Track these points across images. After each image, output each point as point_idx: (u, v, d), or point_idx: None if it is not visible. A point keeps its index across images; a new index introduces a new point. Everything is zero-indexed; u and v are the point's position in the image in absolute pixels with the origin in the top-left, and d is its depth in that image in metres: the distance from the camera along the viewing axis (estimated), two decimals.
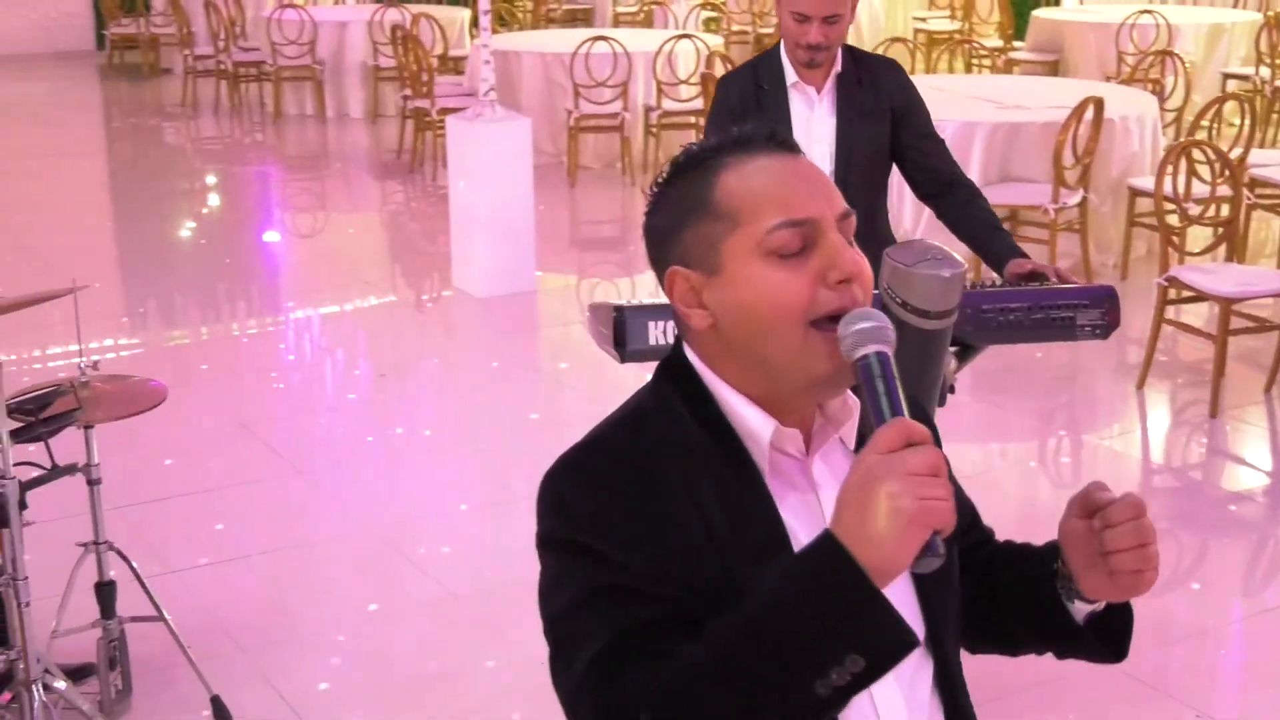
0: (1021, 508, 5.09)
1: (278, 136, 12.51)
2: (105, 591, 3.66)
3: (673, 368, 1.63)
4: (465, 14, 13.00)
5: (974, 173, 7.17)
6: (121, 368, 4.85)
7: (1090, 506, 1.59)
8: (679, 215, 1.59)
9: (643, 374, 1.74)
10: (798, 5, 3.60)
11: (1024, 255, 3.66)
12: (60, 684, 3.40)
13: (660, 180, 1.63)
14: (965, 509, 1.74)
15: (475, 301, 7.41)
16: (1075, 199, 7.19)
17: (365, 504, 5.15)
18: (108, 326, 7.06)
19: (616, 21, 14.92)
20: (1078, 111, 7.03)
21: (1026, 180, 7.34)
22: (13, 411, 3.23)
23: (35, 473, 3.31)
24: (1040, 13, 12.57)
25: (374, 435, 5.87)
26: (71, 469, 3.39)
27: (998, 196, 7.19)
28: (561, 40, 10.52)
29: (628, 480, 1.53)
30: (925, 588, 1.60)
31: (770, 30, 12.90)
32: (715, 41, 11.04)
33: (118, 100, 14.86)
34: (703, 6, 13.26)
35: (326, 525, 5.00)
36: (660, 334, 3.25)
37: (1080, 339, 3.40)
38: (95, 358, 4.23)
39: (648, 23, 14.11)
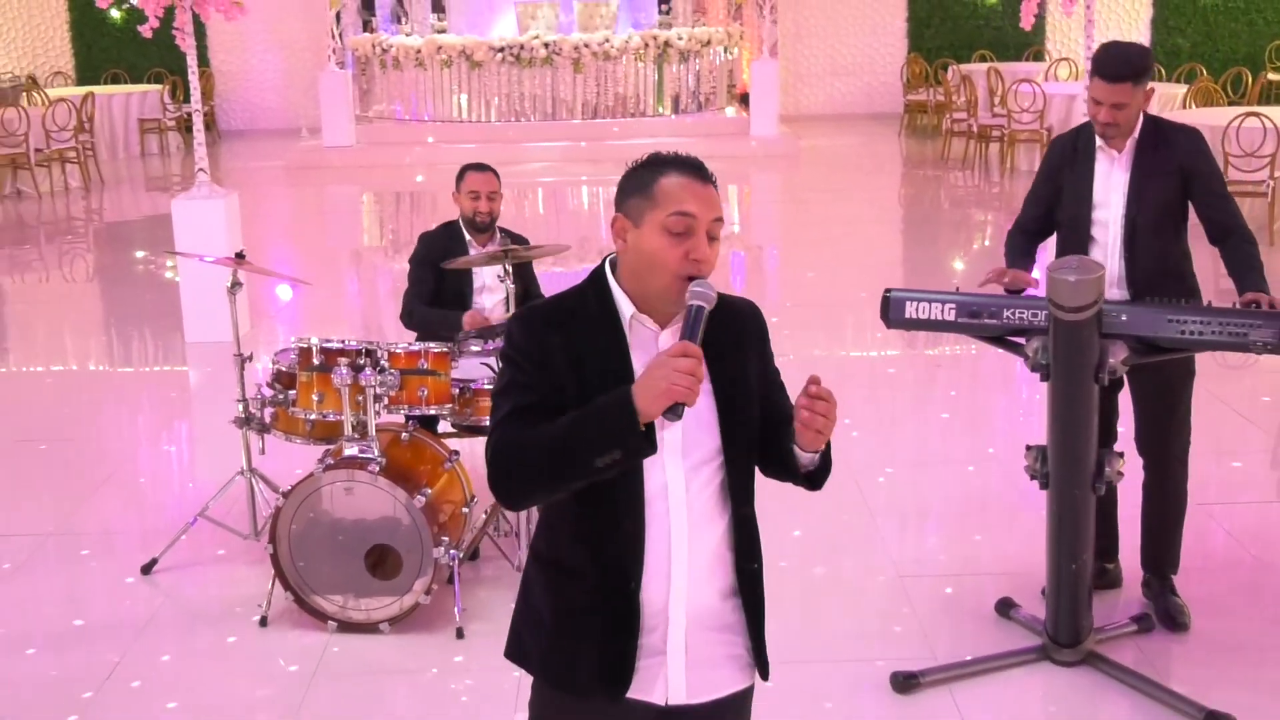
0: None
1: (1009, 189, 13.50)
2: None
3: (597, 273, 2.45)
4: (1181, 90, 13.18)
5: None
6: None
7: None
8: (633, 189, 2.38)
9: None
10: (1094, 92, 4.21)
11: (1257, 288, 4.05)
12: None
13: (634, 166, 2.43)
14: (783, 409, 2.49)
15: None
16: None
17: None
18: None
19: None
20: None
21: None
22: None
23: None
24: None
25: None
26: None
27: None
28: (1223, 116, 10.60)
29: (543, 329, 2.39)
30: (728, 428, 2.39)
31: None
32: None
33: (905, 153, 16.48)
34: None
35: None
36: (915, 311, 4.09)
37: (1254, 352, 3.79)
38: None
39: None
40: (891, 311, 4.12)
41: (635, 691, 2.43)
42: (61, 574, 5.16)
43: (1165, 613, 4.50)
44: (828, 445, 2.44)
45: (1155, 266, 4.28)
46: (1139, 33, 18.03)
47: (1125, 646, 4.34)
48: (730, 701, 2.51)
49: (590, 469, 2.26)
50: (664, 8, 18.44)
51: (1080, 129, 4.49)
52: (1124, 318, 3.84)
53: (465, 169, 5.51)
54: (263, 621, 4.65)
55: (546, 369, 2.36)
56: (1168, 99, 13.01)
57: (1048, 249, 4.62)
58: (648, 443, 2.24)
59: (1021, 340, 4.00)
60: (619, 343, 2.38)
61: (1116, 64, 4.17)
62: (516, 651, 2.56)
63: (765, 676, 2.54)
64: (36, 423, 6.98)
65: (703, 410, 2.37)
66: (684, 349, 2.21)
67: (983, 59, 17.34)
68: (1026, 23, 8.00)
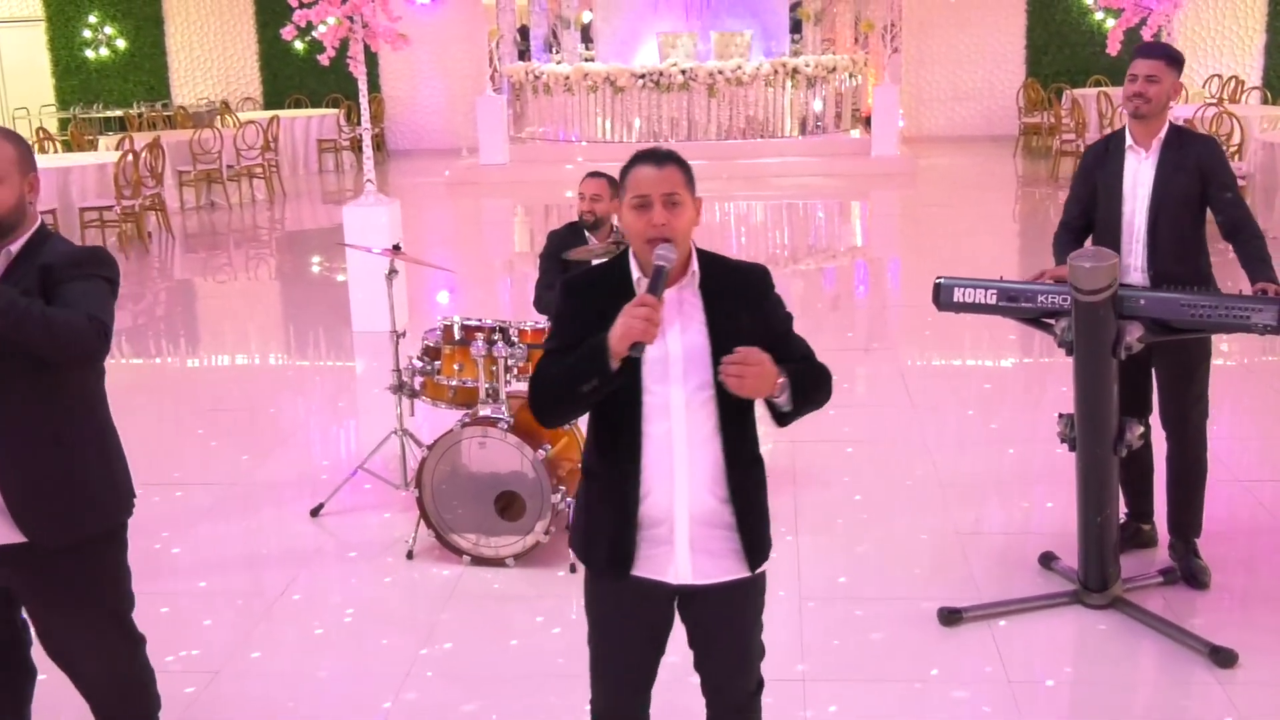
0: None
1: None
2: None
3: (625, 249, 2.91)
4: None
5: None
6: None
7: None
8: (620, 185, 2.86)
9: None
10: (1132, 69, 4.61)
11: (1268, 279, 4.37)
12: None
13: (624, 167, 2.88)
14: (791, 349, 2.91)
15: None
16: None
17: None
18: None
19: None
20: None
21: None
22: None
23: None
24: None
25: None
26: None
27: None
28: None
29: (569, 294, 2.91)
30: (718, 363, 2.72)
31: None
32: None
33: (1017, 172, 16.63)
34: None
35: None
36: (963, 296, 4.51)
37: (1255, 332, 4.12)
38: None
39: None
40: (942, 296, 4.54)
41: (651, 573, 2.92)
42: (246, 515, 5.85)
43: (1188, 572, 4.82)
44: (803, 397, 2.83)
45: (1174, 254, 4.59)
46: (1252, 58, 17.92)
47: (1152, 595, 4.70)
48: (736, 585, 2.93)
49: (580, 394, 2.77)
50: (795, 37, 18.88)
51: (1111, 135, 4.83)
52: (1142, 302, 4.21)
53: (585, 176, 6.02)
54: (409, 555, 5.26)
55: (570, 323, 2.88)
56: (1272, 119, 13.02)
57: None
58: (616, 374, 2.72)
59: (1052, 321, 4.40)
60: (629, 297, 2.78)
61: (1152, 46, 4.65)
62: (572, 540, 3.09)
63: (753, 569, 2.93)
64: (226, 396, 7.77)
65: (700, 347, 2.83)
66: (642, 299, 2.68)
67: (1097, 84, 17.39)
68: (1113, 49, 8.24)
